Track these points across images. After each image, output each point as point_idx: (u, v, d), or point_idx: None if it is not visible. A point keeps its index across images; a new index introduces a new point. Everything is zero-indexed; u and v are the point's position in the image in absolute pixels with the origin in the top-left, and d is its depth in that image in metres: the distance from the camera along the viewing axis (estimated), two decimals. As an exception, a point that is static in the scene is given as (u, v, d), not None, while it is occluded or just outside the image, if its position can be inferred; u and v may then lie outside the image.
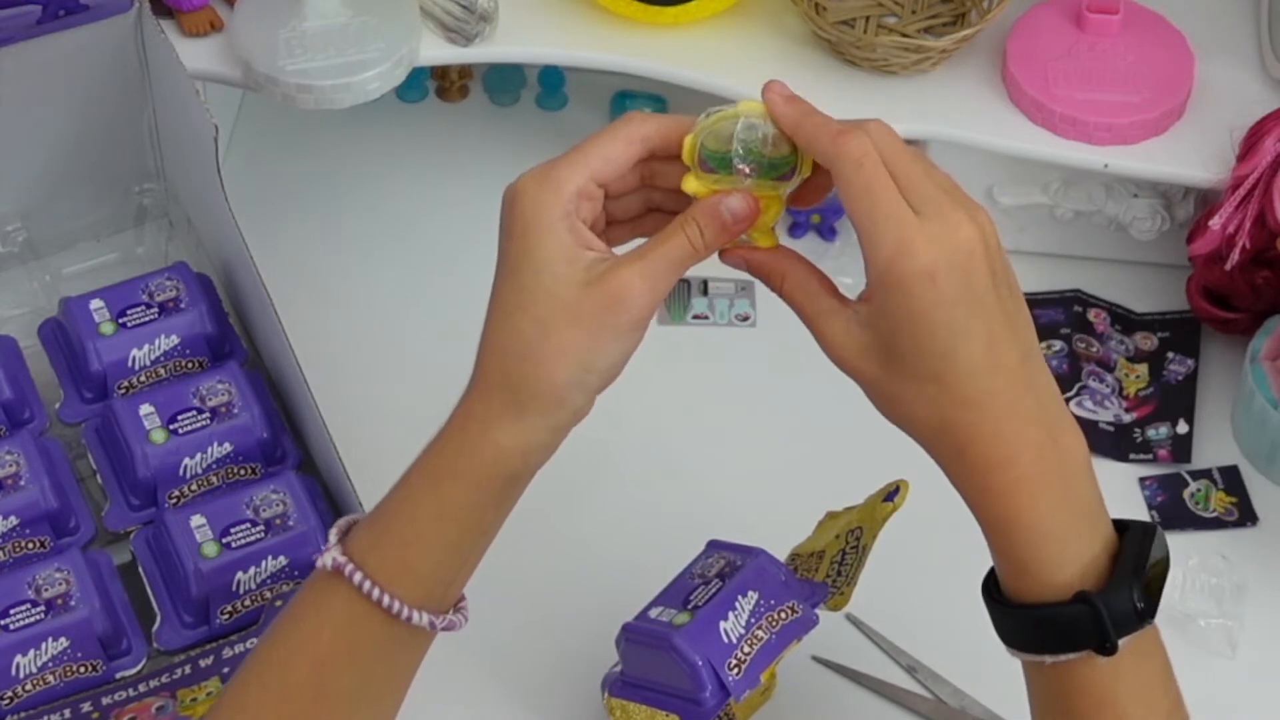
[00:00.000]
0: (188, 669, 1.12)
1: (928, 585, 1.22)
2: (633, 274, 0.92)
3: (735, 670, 1.09)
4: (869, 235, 0.92)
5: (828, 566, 1.14)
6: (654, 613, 1.11)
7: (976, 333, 0.91)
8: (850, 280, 1.38)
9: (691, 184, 0.96)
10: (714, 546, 1.15)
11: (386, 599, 0.95)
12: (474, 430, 0.94)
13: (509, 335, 0.93)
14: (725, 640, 1.09)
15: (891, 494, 1.14)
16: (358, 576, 0.95)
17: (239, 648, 1.12)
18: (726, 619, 1.10)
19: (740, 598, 1.11)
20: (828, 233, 1.41)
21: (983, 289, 0.91)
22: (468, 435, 0.94)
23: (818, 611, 1.12)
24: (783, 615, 1.11)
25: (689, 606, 1.10)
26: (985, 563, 1.22)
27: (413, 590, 0.95)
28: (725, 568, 1.13)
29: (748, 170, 0.95)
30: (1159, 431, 1.31)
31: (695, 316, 1.37)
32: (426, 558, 0.95)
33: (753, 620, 1.10)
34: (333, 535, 0.97)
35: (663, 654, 1.09)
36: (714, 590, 1.11)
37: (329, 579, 0.96)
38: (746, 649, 1.10)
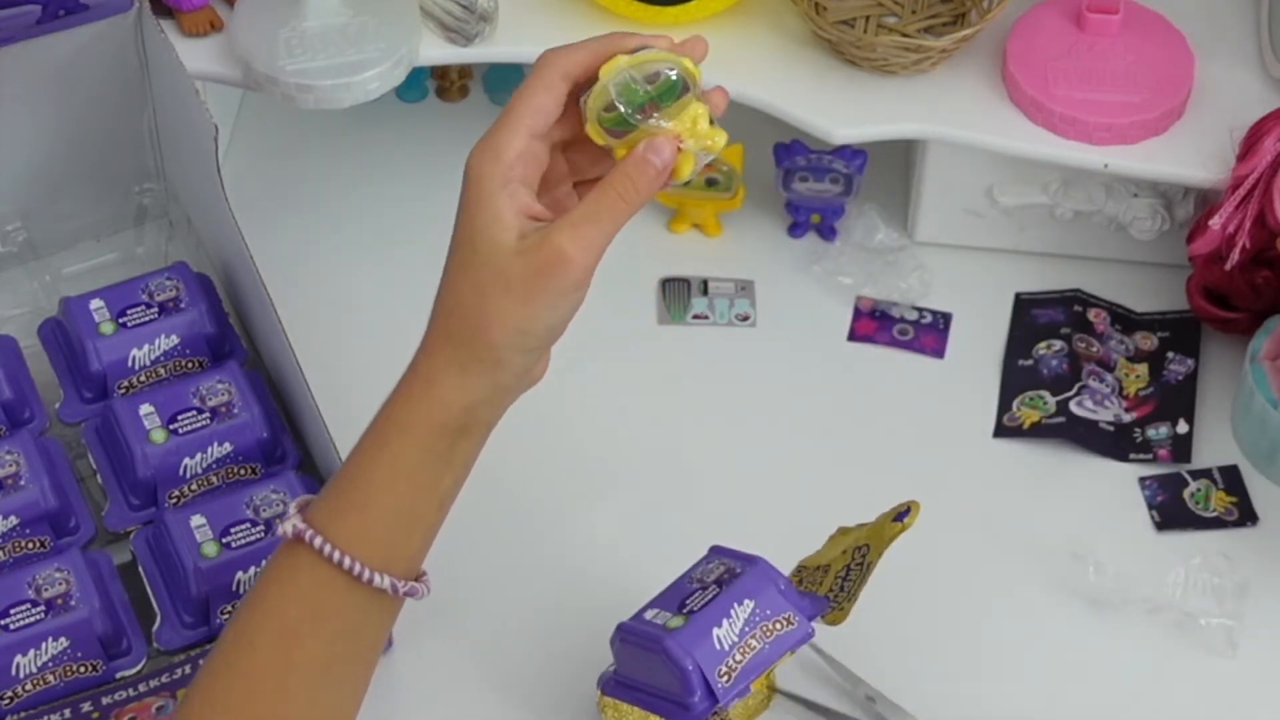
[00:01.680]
0: (188, 669, 1.12)
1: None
2: (564, 239, 0.95)
3: (725, 678, 1.09)
4: None
5: (832, 581, 1.14)
6: (649, 614, 1.11)
7: None
8: (849, 280, 1.39)
9: (620, 152, 0.99)
10: (716, 552, 1.15)
11: (348, 561, 0.96)
12: (419, 387, 0.97)
13: (452, 299, 0.97)
14: (717, 647, 1.09)
15: (902, 514, 1.14)
16: (318, 541, 0.96)
17: (239, 647, 1.12)
18: (720, 625, 1.10)
19: (736, 605, 1.11)
20: (828, 232, 1.41)
21: None
22: (413, 392, 0.98)
23: (814, 625, 1.12)
24: (777, 626, 1.11)
25: (684, 610, 1.10)
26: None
27: (373, 553, 0.97)
28: (724, 574, 1.13)
29: (649, 116, 0.99)
30: (1159, 431, 1.31)
31: (695, 316, 1.37)
32: (384, 519, 0.97)
33: (747, 629, 1.10)
34: (292, 508, 0.99)
35: (654, 656, 1.09)
36: (710, 596, 1.11)
37: (291, 549, 0.97)
38: (738, 657, 1.10)
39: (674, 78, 0.99)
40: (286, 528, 0.97)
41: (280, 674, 0.97)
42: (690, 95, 0.99)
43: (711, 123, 1.00)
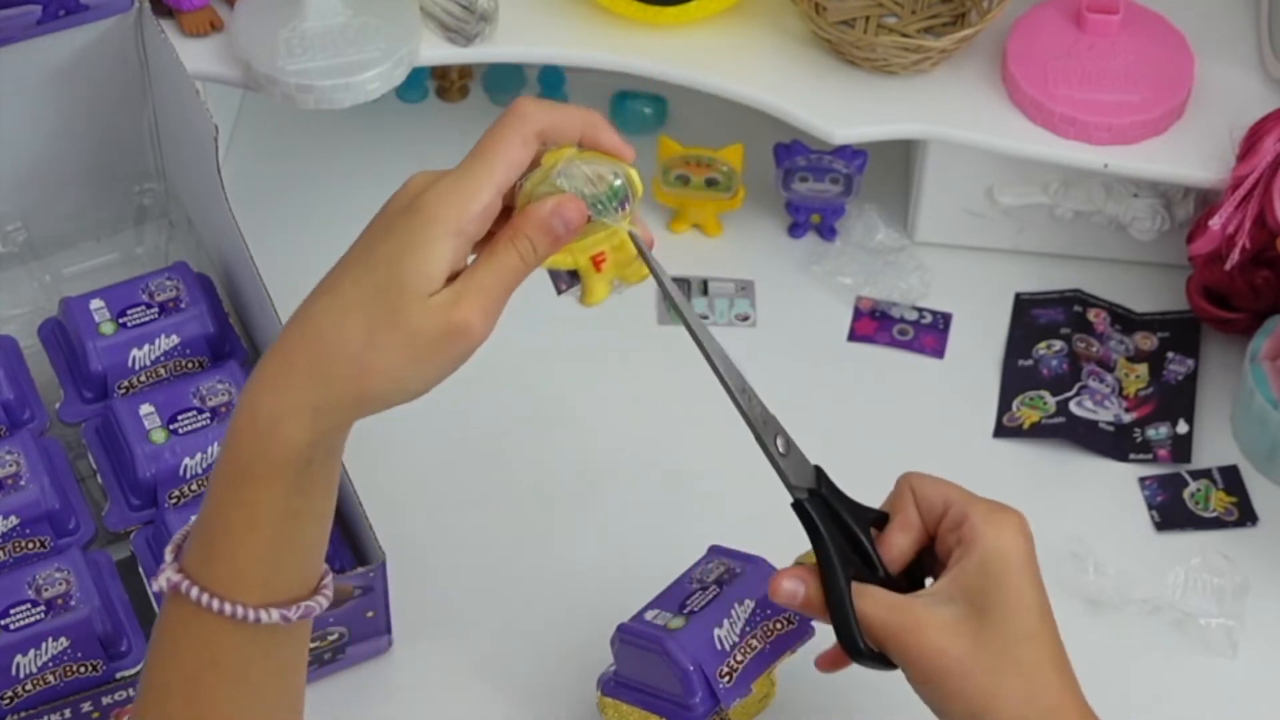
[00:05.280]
0: (187, 669, 1.12)
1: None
2: (472, 308, 0.89)
3: (726, 678, 1.09)
4: (965, 496, 1.03)
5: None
6: (650, 615, 1.11)
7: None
8: (849, 280, 1.39)
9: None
10: (715, 552, 1.15)
11: (229, 608, 0.92)
12: (264, 427, 0.90)
13: (333, 328, 0.90)
14: (718, 647, 1.09)
15: None
16: (195, 591, 0.92)
17: (239, 647, 1.12)
18: (721, 626, 1.10)
19: (736, 605, 1.11)
20: (828, 233, 1.41)
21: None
22: (258, 434, 0.90)
23: (814, 624, 1.12)
24: (778, 625, 1.11)
25: (684, 611, 1.10)
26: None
27: (253, 593, 0.92)
28: (724, 574, 1.13)
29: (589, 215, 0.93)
30: (1159, 431, 1.31)
31: (695, 316, 1.37)
32: (254, 561, 0.92)
33: (747, 629, 1.10)
34: (168, 554, 0.94)
35: (655, 657, 1.09)
36: (710, 596, 1.11)
37: (175, 600, 0.93)
38: (739, 657, 1.10)
39: (617, 184, 0.93)
40: (162, 581, 0.93)
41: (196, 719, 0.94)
42: (627, 211, 0.94)
43: (636, 261, 0.94)
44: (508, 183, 0.92)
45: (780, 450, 1.03)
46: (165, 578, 0.93)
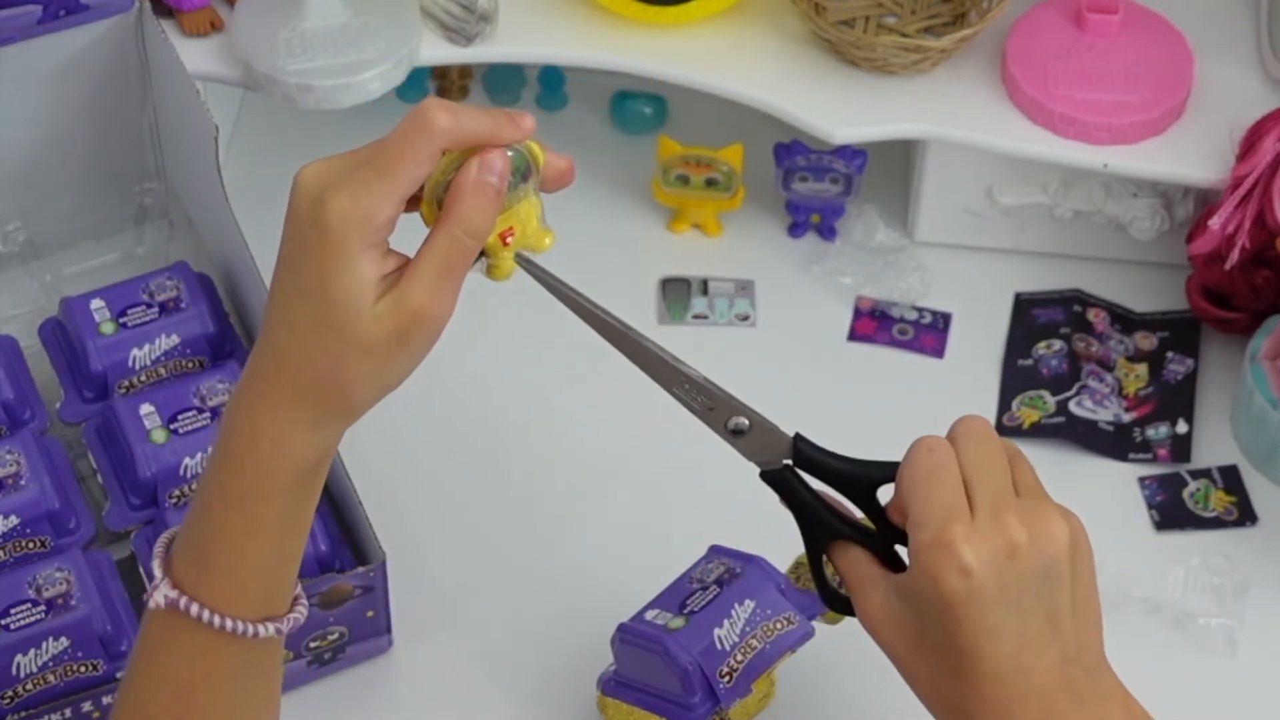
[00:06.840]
0: (188, 669, 1.12)
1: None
2: (424, 298, 0.90)
3: (727, 679, 1.09)
4: (918, 516, 0.92)
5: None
6: (650, 615, 1.11)
7: (1007, 634, 0.91)
8: (849, 280, 1.39)
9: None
10: (715, 552, 1.15)
11: (230, 624, 0.93)
12: (267, 447, 0.92)
13: (303, 358, 0.91)
14: (719, 648, 1.09)
15: None
16: (195, 608, 0.93)
17: (239, 647, 1.12)
18: (721, 626, 1.10)
19: (737, 605, 1.11)
20: (827, 233, 1.41)
21: (1020, 590, 0.91)
22: (261, 453, 0.92)
23: (814, 624, 1.12)
24: (778, 626, 1.11)
25: (685, 611, 1.11)
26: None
27: (251, 607, 0.94)
28: (724, 574, 1.13)
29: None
30: (1158, 431, 1.31)
31: (695, 316, 1.37)
32: (255, 574, 0.94)
33: (748, 629, 1.10)
34: (157, 569, 0.95)
35: (655, 657, 1.09)
36: (711, 596, 1.11)
37: (167, 616, 0.94)
38: (740, 657, 1.10)
39: (526, 162, 0.93)
40: (158, 599, 0.93)
41: None
42: (529, 185, 0.94)
43: (541, 221, 0.95)
44: (410, 192, 0.91)
45: (733, 429, 1.01)
46: (162, 595, 0.93)
